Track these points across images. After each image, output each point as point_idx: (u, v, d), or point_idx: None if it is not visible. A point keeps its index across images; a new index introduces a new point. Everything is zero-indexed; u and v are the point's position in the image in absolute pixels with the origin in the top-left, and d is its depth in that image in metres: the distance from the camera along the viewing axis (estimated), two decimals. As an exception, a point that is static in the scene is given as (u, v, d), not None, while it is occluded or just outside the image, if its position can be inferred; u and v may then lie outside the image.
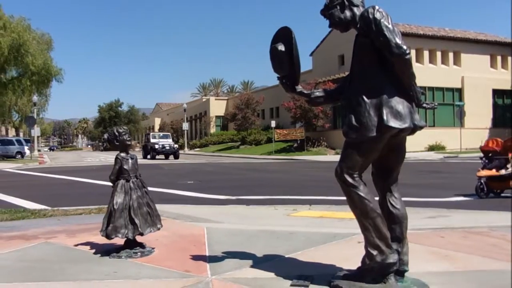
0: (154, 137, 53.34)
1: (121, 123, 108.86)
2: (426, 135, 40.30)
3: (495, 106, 51.57)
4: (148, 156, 50.21)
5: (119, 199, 6.25)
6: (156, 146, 48.70)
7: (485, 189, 12.64)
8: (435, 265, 5.42)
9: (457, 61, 50.12)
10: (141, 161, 40.25)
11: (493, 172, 12.58)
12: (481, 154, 13.09)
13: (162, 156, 49.72)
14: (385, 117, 4.23)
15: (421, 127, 4.42)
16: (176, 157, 49.45)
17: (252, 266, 5.48)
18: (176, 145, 51.99)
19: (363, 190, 4.46)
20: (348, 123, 4.42)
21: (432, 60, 48.83)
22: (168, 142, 51.18)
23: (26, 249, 6.75)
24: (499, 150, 12.73)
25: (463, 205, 11.12)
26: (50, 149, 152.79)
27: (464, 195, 13.13)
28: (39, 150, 70.72)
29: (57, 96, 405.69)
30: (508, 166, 12.39)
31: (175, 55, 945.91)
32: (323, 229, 7.80)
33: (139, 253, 6.21)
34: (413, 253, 4.94)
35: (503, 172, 12.39)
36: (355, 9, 4.58)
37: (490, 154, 12.92)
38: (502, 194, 12.57)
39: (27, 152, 55.19)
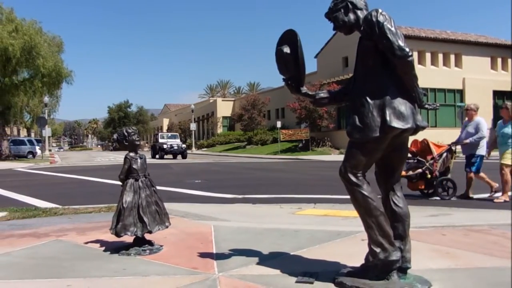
0: (163, 137, 52.93)
1: (130, 123, 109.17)
2: (428, 135, 40.14)
3: (495, 107, 51.43)
4: (157, 156, 49.95)
5: (128, 197, 6.26)
6: (165, 146, 48.44)
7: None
8: (437, 262, 5.41)
9: (458, 63, 50.09)
10: (150, 160, 40.34)
11: (403, 173, 12.55)
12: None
13: (170, 156, 49.35)
14: (388, 118, 4.23)
15: (423, 127, 4.42)
16: (184, 156, 49.21)
17: (258, 263, 5.49)
18: (184, 145, 51.56)
19: (367, 189, 4.46)
20: (352, 124, 4.42)
21: (434, 62, 48.81)
22: (176, 142, 50.80)
23: (38, 246, 6.77)
24: (416, 151, 13.10)
25: (464, 203, 11.09)
26: (59, 149, 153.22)
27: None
28: (50, 150, 70.79)
29: (67, 97, 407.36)
30: (423, 168, 12.68)
31: (183, 57, 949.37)
32: (328, 227, 7.79)
33: (147, 251, 6.22)
34: (415, 250, 4.95)
35: (410, 173, 12.65)
36: (358, 12, 4.59)
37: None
38: (433, 197, 12.65)
39: (39, 152, 55.32)
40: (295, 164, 35.21)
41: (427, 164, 12.58)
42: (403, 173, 12.42)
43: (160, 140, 51.25)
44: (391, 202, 4.65)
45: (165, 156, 49.15)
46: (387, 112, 4.25)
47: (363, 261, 4.62)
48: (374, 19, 4.28)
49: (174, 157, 49.45)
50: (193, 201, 12.40)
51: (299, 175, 23.39)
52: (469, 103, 12.92)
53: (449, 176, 12.66)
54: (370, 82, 4.42)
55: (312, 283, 4.65)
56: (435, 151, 12.78)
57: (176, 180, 19.82)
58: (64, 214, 9.82)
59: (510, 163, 11.52)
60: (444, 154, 12.74)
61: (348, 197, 4.63)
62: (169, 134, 58.55)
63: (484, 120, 12.53)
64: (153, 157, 50.66)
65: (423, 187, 12.73)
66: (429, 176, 12.47)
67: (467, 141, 12.43)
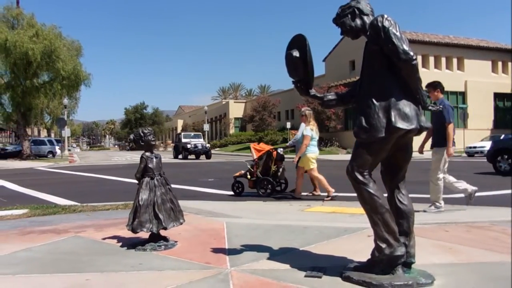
0: (186, 137, 49.94)
1: (146, 124, 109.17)
2: (431, 135, 40.16)
3: (496, 108, 51.40)
4: (180, 156, 47.49)
5: (144, 195, 6.28)
6: (188, 146, 45.65)
7: (240, 186, 13.55)
8: (440, 257, 5.41)
9: (460, 66, 50.04)
10: (169, 160, 40.33)
11: (238, 173, 13.64)
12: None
13: (193, 156, 46.72)
14: (393, 119, 4.24)
15: (426, 128, 4.42)
16: (208, 156, 46.32)
17: (268, 258, 5.50)
18: (208, 145, 49.12)
19: (373, 187, 4.46)
20: (359, 125, 4.43)
21: (437, 65, 48.77)
22: (200, 141, 48.11)
23: (57, 242, 6.80)
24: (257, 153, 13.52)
25: (465, 201, 11.04)
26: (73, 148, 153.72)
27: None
28: (69, 150, 71.00)
29: (86, 99, 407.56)
30: (246, 170, 13.46)
31: (196, 60, 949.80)
32: (335, 224, 7.80)
33: (163, 246, 6.24)
34: (419, 246, 4.94)
35: (242, 172, 13.50)
36: (365, 17, 4.59)
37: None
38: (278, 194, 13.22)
39: (58, 151, 55.51)
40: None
41: (249, 166, 13.36)
42: (237, 174, 13.55)
43: (184, 140, 48.14)
44: (396, 200, 4.65)
45: (189, 156, 46.26)
46: (392, 114, 4.26)
47: (369, 256, 4.62)
48: (380, 24, 4.28)
49: (197, 157, 46.86)
50: (206, 199, 12.42)
51: (307, 174, 23.24)
52: (303, 108, 12.97)
53: (283, 176, 13.39)
54: (376, 85, 4.42)
55: (320, 277, 4.65)
56: (255, 155, 13.43)
57: (190, 179, 19.83)
58: (83, 211, 9.85)
59: (309, 167, 12.25)
60: (264, 157, 13.26)
61: (355, 195, 4.64)
62: (192, 133, 55.69)
63: (310, 128, 12.40)
64: (176, 157, 48.43)
65: (251, 186, 13.38)
66: (249, 176, 13.22)
67: (287, 144, 13.76)
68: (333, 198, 11.70)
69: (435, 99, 9.67)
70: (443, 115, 9.31)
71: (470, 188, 9.67)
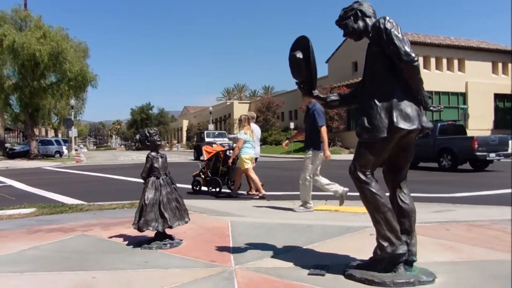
0: (209, 136, 44.69)
1: (152, 124, 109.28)
2: (432, 135, 40.16)
3: (496, 109, 51.32)
4: (202, 157, 38.82)
5: (150, 194, 6.29)
6: (214, 146, 39.54)
7: (198, 185, 14.30)
8: (441, 256, 5.40)
9: (461, 68, 49.91)
10: (187, 161, 39.91)
11: (195, 173, 14.36)
12: None
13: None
14: (395, 119, 4.24)
15: (428, 128, 4.41)
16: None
17: (272, 257, 5.50)
18: (234, 144, 40.56)
19: (375, 186, 4.47)
20: (361, 125, 4.43)
21: (438, 66, 48.67)
22: (225, 141, 40.42)
23: (64, 240, 6.81)
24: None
25: (467, 200, 11.05)
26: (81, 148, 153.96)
27: (468, 191, 13.06)
28: (76, 150, 71.10)
29: (92, 100, 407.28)
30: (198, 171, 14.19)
31: (201, 61, 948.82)
32: (338, 223, 7.80)
33: (168, 245, 6.24)
34: (421, 244, 4.95)
35: (197, 172, 14.22)
36: (367, 19, 4.60)
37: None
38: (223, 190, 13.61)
39: (65, 151, 55.65)
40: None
41: (200, 167, 14.04)
42: (195, 173, 14.21)
43: (207, 139, 42.21)
44: (398, 199, 4.65)
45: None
46: (394, 114, 4.26)
47: (371, 255, 4.62)
48: (382, 26, 4.28)
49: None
50: (211, 198, 12.43)
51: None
52: (241, 114, 13.65)
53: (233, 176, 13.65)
54: (378, 86, 4.42)
55: (323, 275, 4.65)
56: (206, 156, 14.13)
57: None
58: (90, 210, 9.87)
59: (243, 167, 12.59)
60: (214, 158, 13.86)
61: (358, 194, 4.64)
62: (216, 132, 50.85)
63: (244, 132, 12.91)
64: (197, 158, 40.38)
65: (204, 184, 13.99)
66: (202, 176, 13.88)
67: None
68: (263, 197, 12.29)
69: (307, 103, 9.84)
70: (315, 118, 9.46)
71: (341, 189, 9.65)
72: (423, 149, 21.88)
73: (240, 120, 13.38)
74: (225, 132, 54.14)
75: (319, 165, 9.71)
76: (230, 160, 13.13)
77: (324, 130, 9.49)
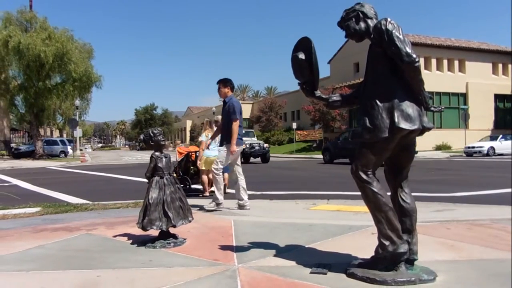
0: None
1: (156, 125, 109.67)
2: (433, 136, 40.46)
3: (496, 109, 51.36)
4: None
5: (154, 194, 6.29)
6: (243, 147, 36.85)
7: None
8: (442, 254, 5.40)
9: (462, 68, 49.94)
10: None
11: None
12: None
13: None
14: (396, 120, 4.23)
15: (429, 129, 4.41)
16: (266, 160, 35.46)
17: (275, 255, 5.50)
18: (266, 145, 37.15)
19: (376, 186, 4.46)
20: (363, 125, 4.42)
21: (439, 67, 48.69)
22: (254, 140, 36.91)
23: (69, 239, 6.81)
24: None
25: (467, 199, 11.03)
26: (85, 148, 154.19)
27: (468, 191, 13.05)
28: (81, 150, 71.19)
29: (97, 100, 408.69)
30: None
31: (205, 62, 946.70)
32: (340, 222, 7.78)
33: (172, 244, 6.25)
34: (421, 243, 4.94)
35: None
36: (369, 21, 4.59)
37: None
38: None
39: (70, 151, 55.73)
40: (310, 162, 35.21)
41: (173, 166, 13.55)
42: None
43: None
44: (399, 198, 4.64)
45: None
46: (396, 114, 4.25)
47: (373, 253, 4.61)
48: (383, 27, 4.28)
49: (247, 161, 34.65)
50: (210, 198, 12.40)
51: (313, 173, 23.35)
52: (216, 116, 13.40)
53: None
54: (380, 86, 4.42)
55: (325, 274, 4.65)
56: (178, 157, 14.47)
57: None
58: (94, 210, 9.89)
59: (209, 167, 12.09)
60: (185, 159, 14.16)
61: (359, 193, 4.63)
62: (243, 130, 45.85)
63: (205, 134, 13.21)
64: None
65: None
66: (175, 175, 13.41)
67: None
68: (211, 194, 12.39)
69: (223, 97, 9.84)
70: (229, 112, 9.48)
71: (220, 200, 9.68)
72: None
73: (203, 123, 13.75)
74: (252, 130, 52.87)
75: (235, 159, 9.75)
76: (198, 163, 13.26)
77: (236, 124, 9.36)
